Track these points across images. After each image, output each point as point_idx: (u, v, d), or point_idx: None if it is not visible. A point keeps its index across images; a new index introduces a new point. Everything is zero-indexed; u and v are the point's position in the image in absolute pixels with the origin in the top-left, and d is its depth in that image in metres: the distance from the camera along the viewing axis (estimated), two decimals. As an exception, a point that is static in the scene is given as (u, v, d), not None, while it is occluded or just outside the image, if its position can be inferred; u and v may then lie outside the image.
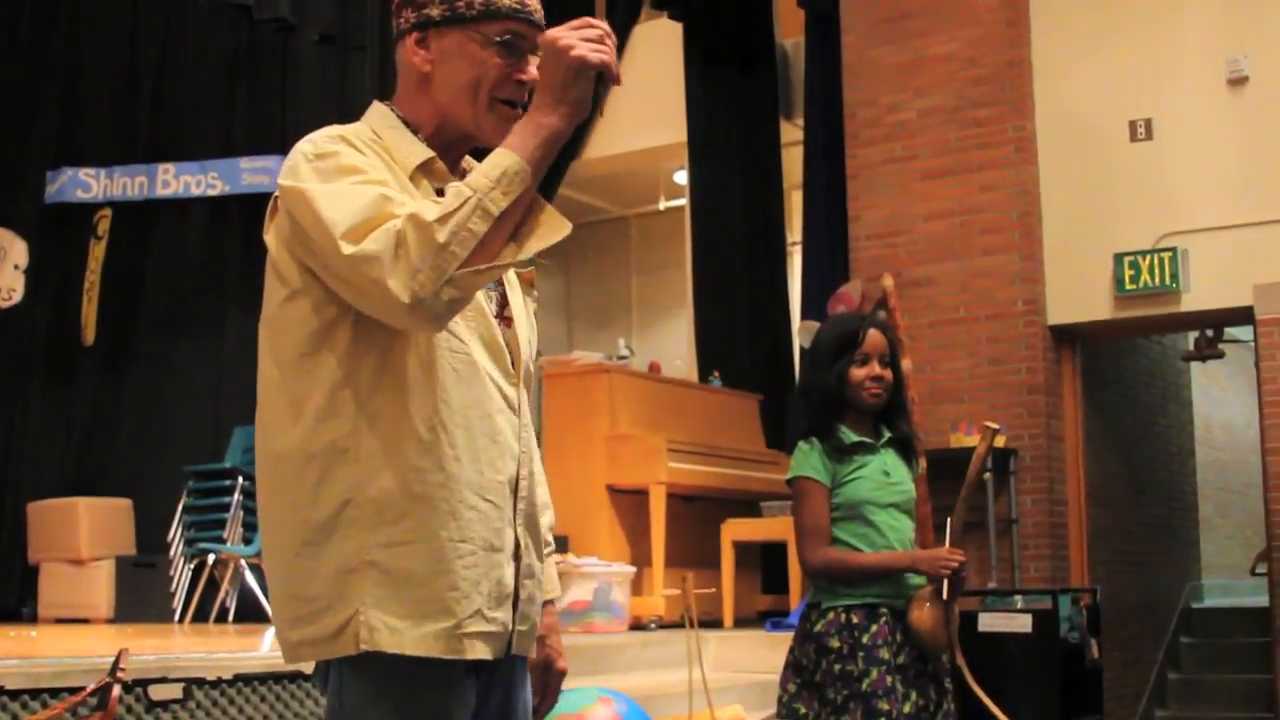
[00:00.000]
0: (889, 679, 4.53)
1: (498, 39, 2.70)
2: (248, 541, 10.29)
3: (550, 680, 2.98)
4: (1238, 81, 9.81)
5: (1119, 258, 9.93)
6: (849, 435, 4.77)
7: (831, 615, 4.67)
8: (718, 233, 12.44)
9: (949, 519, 4.90)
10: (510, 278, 2.84)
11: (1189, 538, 13.81)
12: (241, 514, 10.43)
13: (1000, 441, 9.59)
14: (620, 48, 10.00)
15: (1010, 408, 10.05)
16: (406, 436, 2.57)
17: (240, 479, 10.45)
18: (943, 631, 4.66)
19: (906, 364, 5.55)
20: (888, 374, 4.80)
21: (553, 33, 2.51)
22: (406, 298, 2.40)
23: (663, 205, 15.49)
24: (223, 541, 10.28)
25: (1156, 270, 9.82)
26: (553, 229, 2.56)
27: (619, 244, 16.49)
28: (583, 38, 2.50)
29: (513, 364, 2.75)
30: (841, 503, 4.72)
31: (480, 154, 2.70)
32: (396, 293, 2.39)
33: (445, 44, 2.73)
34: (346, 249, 2.43)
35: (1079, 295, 10.13)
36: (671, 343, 14.73)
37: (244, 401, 11.80)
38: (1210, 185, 9.83)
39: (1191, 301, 9.88)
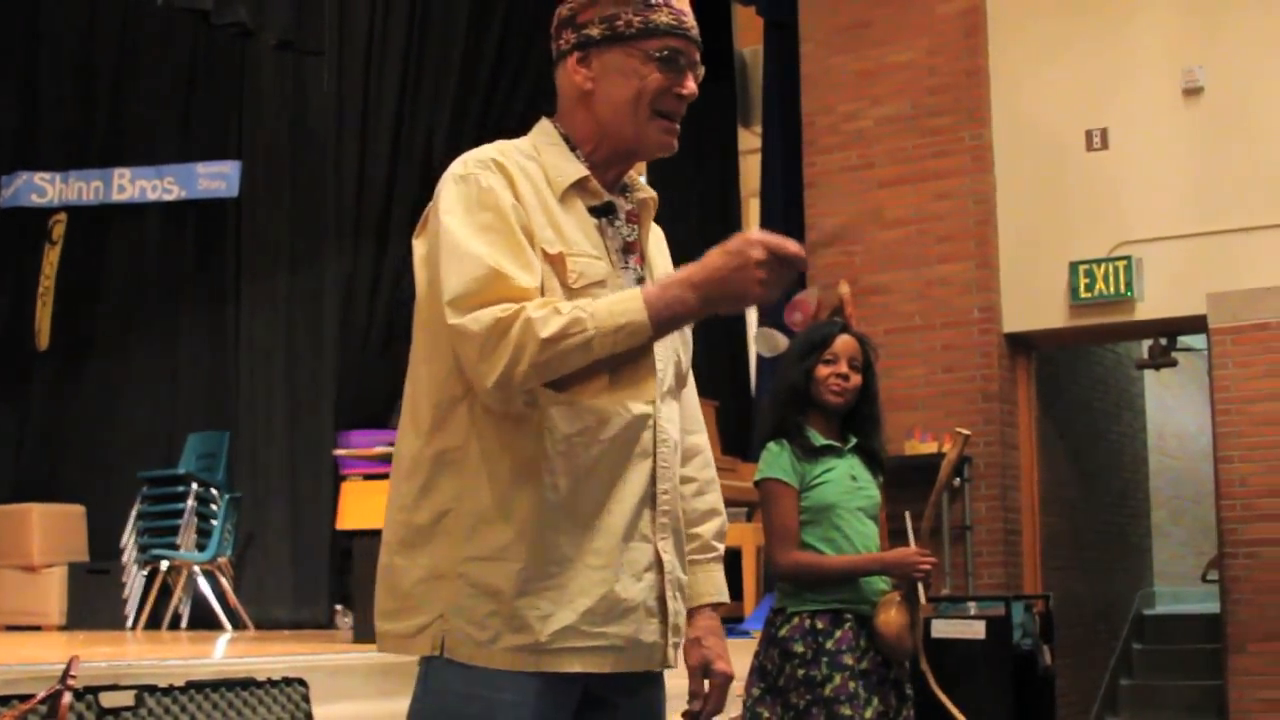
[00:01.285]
0: (852, 684, 4.54)
1: (657, 54, 2.79)
2: (201, 548, 10.25)
3: (713, 682, 3.03)
4: (1193, 92, 9.87)
5: (1074, 266, 9.98)
6: (817, 437, 4.78)
7: (796, 620, 4.66)
8: (675, 240, 12.37)
9: (908, 518, 4.90)
10: None
11: (1142, 545, 13.89)
12: (195, 520, 10.38)
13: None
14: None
15: (965, 415, 10.07)
16: (511, 456, 2.66)
17: (194, 485, 10.40)
18: (909, 635, 4.67)
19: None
20: (855, 376, 4.81)
21: (756, 244, 2.57)
22: (489, 382, 2.55)
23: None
24: (176, 548, 10.23)
25: (1111, 279, 9.86)
26: (643, 392, 2.74)
27: (576, 250, 16.46)
28: (767, 279, 2.57)
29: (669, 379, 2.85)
30: (809, 505, 4.72)
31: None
32: (483, 374, 2.55)
33: (606, 62, 2.80)
34: (451, 317, 2.56)
35: (1034, 303, 10.18)
36: (628, 349, 14.71)
37: (198, 408, 11.76)
38: (1165, 195, 9.89)
39: (1146, 310, 9.93)
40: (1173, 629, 13.11)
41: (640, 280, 2.84)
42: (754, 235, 2.60)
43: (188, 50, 12.01)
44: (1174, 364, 11.33)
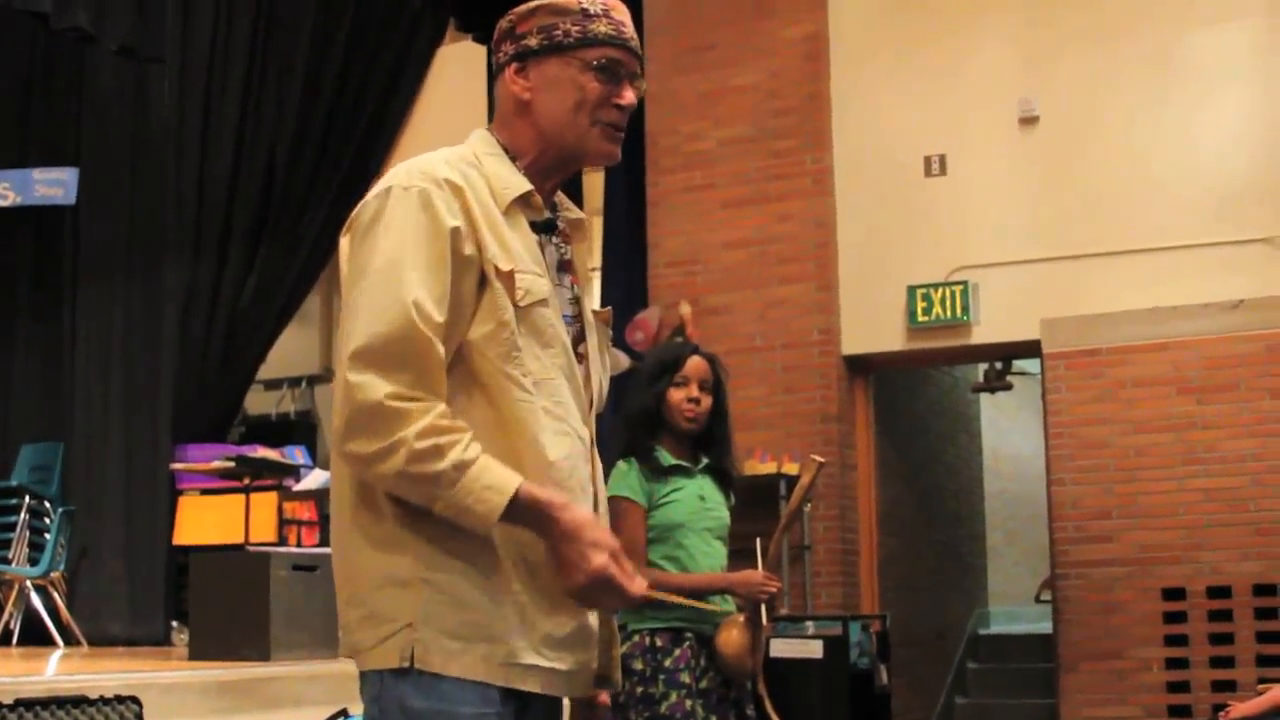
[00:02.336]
0: (688, 703, 4.54)
1: (595, 64, 2.78)
2: (34, 562, 10.04)
3: (596, 714, 3.00)
4: (1029, 121, 10.04)
5: (912, 290, 10.11)
6: (666, 457, 4.78)
7: (636, 638, 4.67)
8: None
9: (759, 541, 4.92)
10: (589, 317, 2.90)
11: (977, 565, 14.06)
12: (28, 534, 10.17)
13: (794, 469, 9.69)
14: (425, 69, 10.03)
15: (804, 436, 10.15)
16: None
17: (27, 498, 10.19)
18: (749, 657, 4.69)
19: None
20: (706, 399, 4.82)
21: (614, 555, 2.61)
22: (341, 452, 2.56)
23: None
24: (7, 562, 10.02)
25: (948, 303, 10.00)
26: (588, 420, 2.76)
27: (419, 266, 16.37)
28: (593, 586, 2.59)
29: (589, 402, 2.83)
30: (656, 524, 4.72)
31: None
32: (342, 444, 2.54)
33: (544, 72, 2.79)
34: (350, 369, 2.51)
35: (873, 326, 10.29)
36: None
37: (31, 419, 11.50)
38: (1001, 221, 10.05)
39: (981, 334, 10.08)
40: (1007, 648, 13.27)
41: (575, 300, 2.85)
42: (618, 559, 2.62)
43: (25, 54, 11.78)
44: (1009, 388, 11.48)
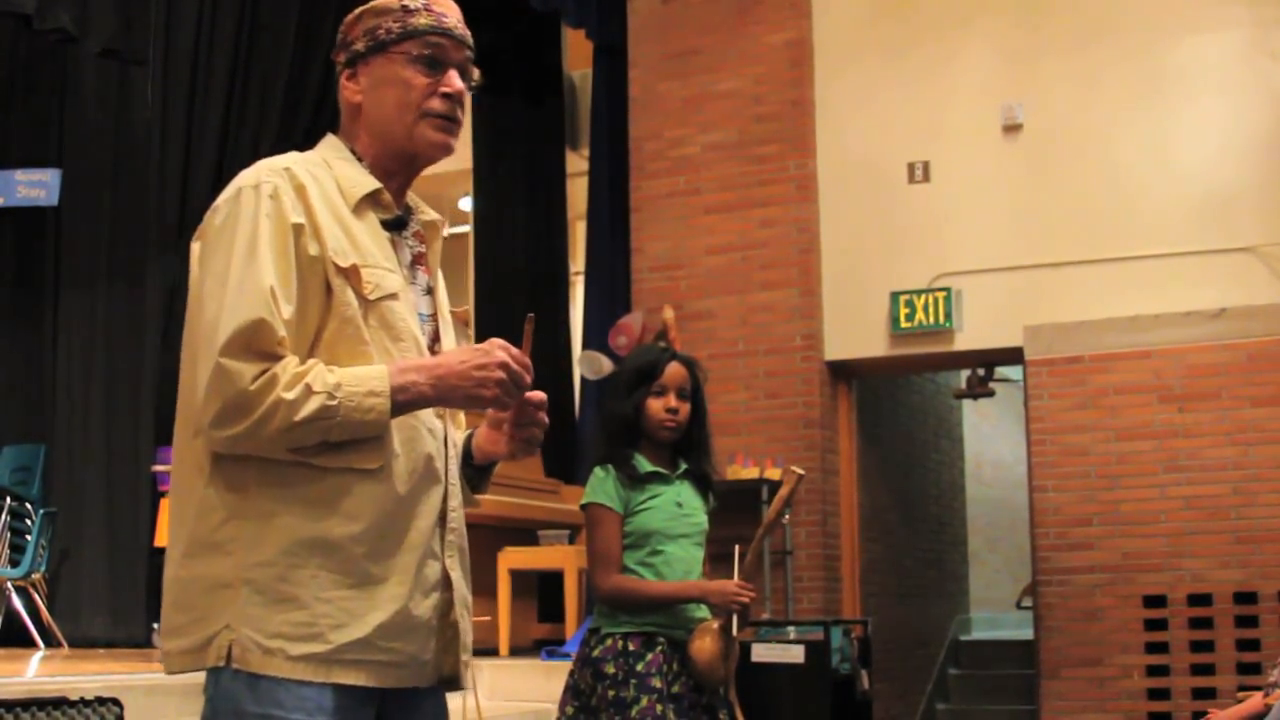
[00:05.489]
0: (659, 707, 4.53)
1: (418, 56, 2.83)
2: (14, 564, 10.01)
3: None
4: (1012, 129, 10.07)
5: (895, 296, 10.12)
6: (644, 464, 4.77)
7: (610, 641, 4.66)
8: (501, 261, 12.41)
9: (736, 548, 4.91)
10: (445, 314, 2.96)
11: (958, 571, 14.08)
12: (8, 535, 10.14)
13: (776, 475, 9.70)
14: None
15: (787, 441, 10.17)
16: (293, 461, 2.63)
17: (8, 499, 10.17)
18: (721, 665, 4.67)
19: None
20: (684, 407, 4.81)
21: (501, 349, 2.70)
22: (218, 439, 2.59)
23: (446, 231, 15.36)
24: (-12, 563, 10.01)
25: (931, 309, 10.02)
26: (367, 457, 2.66)
27: (402, 270, 16.36)
28: (504, 384, 2.69)
29: None
30: (632, 531, 4.72)
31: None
32: (215, 429, 2.57)
33: (372, 72, 2.86)
34: (222, 355, 2.55)
35: (856, 332, 10.30)
36: (453, 370, 14.63)
37: (13, 420, 11.47)
38: (984, 228, 10.07)
39: (964, 341, 10.10)
40: (988, 654, 13.30)
41: (429, 291, 2.92)
42: (500, 343, 2.70)
43: (7, 55, 11.76)
44: (991, 394, 11.51)
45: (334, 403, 2.54)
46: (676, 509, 4.78)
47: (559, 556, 9.58)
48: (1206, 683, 9.15)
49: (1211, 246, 9.52)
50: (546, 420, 2.89)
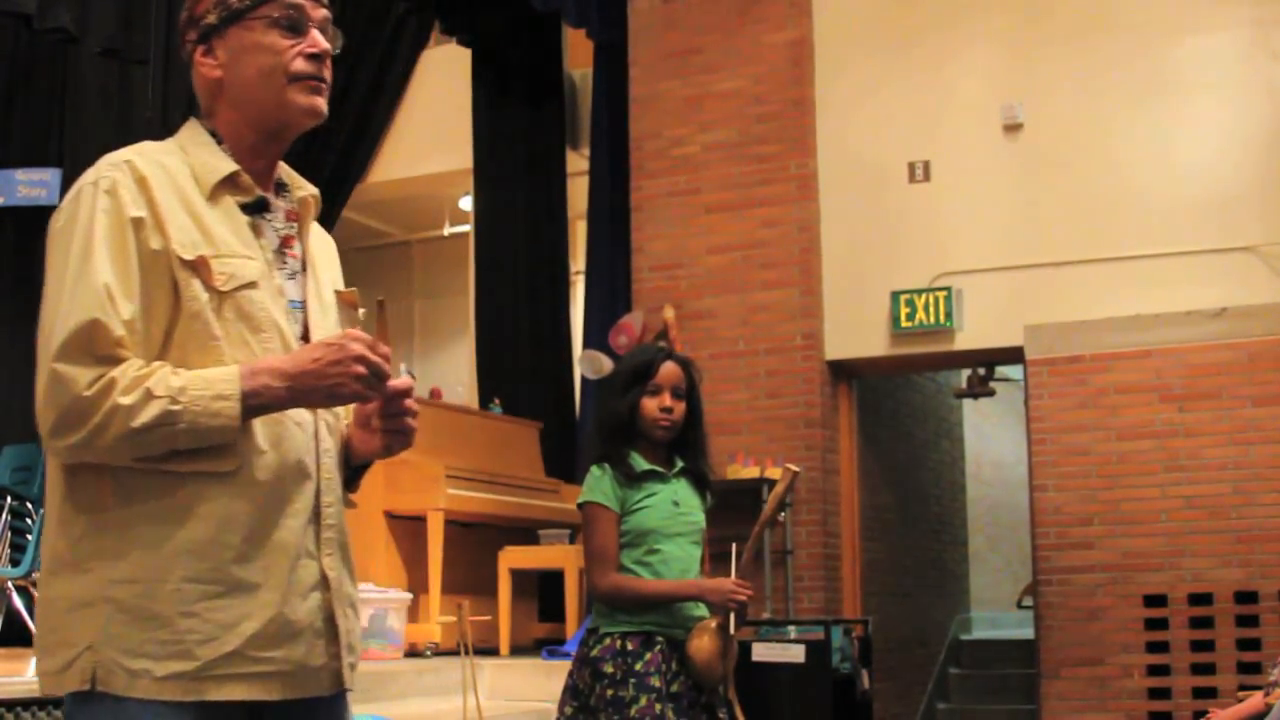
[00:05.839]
0: (658, 706, 4.53)
1: (276, 19, 2.69)
2: (15, 563, 10.00)
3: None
4: (1013, 128, 10.06)
5: (895, 296, 10.11)
6: (640, 463, 4.77)
7: (608, 641, 4.66)
8: (502, 260, 12.41)
9: (734, 546, 4.90)
10: (325, 297, 2.80)
11: (959, 571, 14.08)
12: (10, 534, 10.13)
13: (776, 474, 9.69)
14: (409, 72, 10.00)
15: (787, 441, 10.17)
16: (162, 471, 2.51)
17: (9, 499, 10.16)
18: (719, 663, 4.67)
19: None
20: (679, 406, 4.81)
21: (357, 340, 2.53)
22: (55, 448, 2.48)
23: (447, 231, 15.42)
24: (-11, 563, 10.00)
25: (931, 309, 10.01)
26: (221, 460, 2.52)
27: (402, 269, 16.38)
28: (365, 378, 2.53)
29: None
30: (629, 529, 4.71)
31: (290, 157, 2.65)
32: (53, 435, 2.46)
33: (229, 44, 2.71)
34: (56, 360, 2.46)
35: (856, 331, 10.29)
36: (453, 369, 14.66)
37: (14, 419, 11.47)
38: (985, 227, 10.06)
39: (965, 340, 10.09)
40: (989, 654, 13.30)
41: (293, 276, 2.74)
42: (355, 334, 2.54)
43: (7, 55, 11.75)
44: (991, 394, 11.50)
45: (177, 408, 2.42)
46: (673, 508, 4.78)
47: (559, 556, 9.59)
48: (1207, 682, 9.14)
49: (1212, 246, 9.51)
50: (415, 408, 2.70)
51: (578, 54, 12.73)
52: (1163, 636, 9.32)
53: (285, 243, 2.75)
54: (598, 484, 4.76)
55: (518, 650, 9.67)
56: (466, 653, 5.74)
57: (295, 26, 2.71)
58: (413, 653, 9.01)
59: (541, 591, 10.57)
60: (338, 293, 2.79)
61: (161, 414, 2.41)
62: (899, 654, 11.61)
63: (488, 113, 12.47)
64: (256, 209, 2.71)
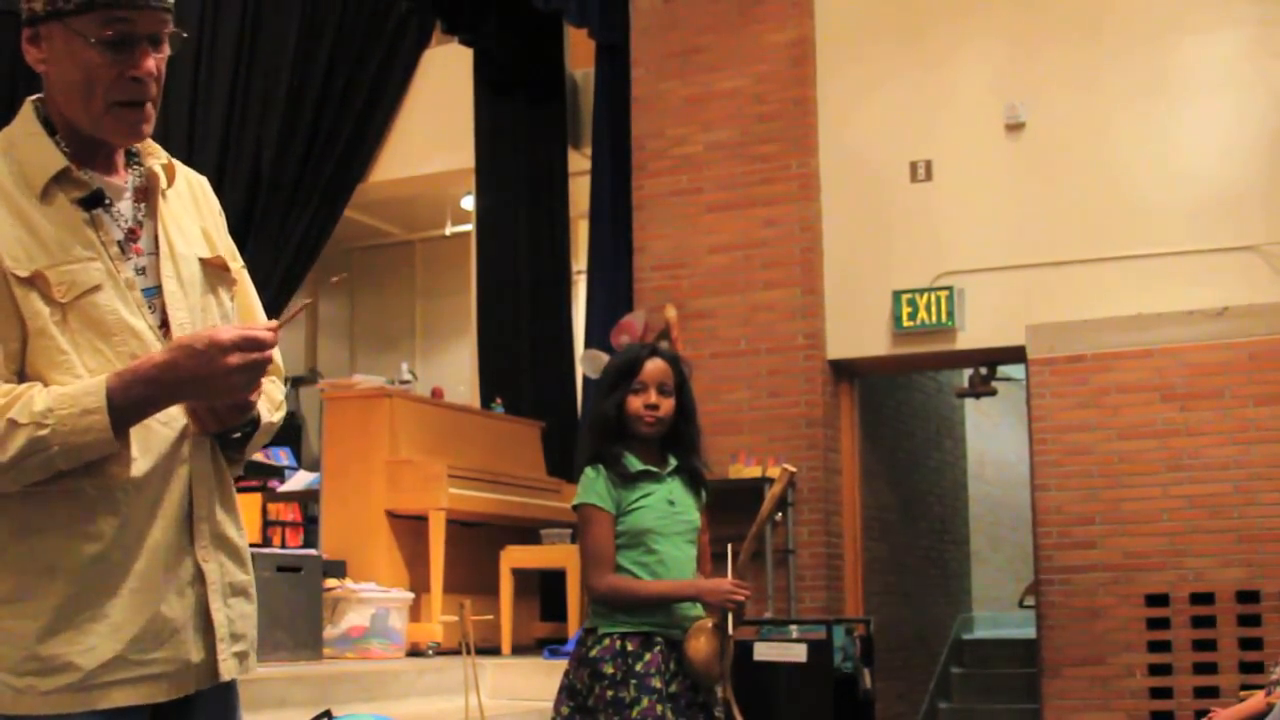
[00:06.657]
0: (659, 708, 4.53)
1: (98, 40, 2.48)
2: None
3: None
4: (1015, 127, 10.06)
5: (897, 295, 10.11)
6: (634, 463, 4.76)
7: (607, 641, 4.65)
8: (503, 260, 12.41)
9: (730, 546, 4.90)
10: (184, 275, 2.64)
11: (960, 570, 14.07)
12: None
13: (777, 473, 9.68)
14: (411, 71, 10.00)
15: (789, 440, 10.17)
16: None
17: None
18: (717, 663, 4.67)
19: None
20: (666, 403, 4.79)
21: (221, 354, 2.38)
22: None
23: (449, 230, 15.42)
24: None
25: (933, 308, 10.01)
26: (98, 441, 2.39)
27: (404, 268, 16.39)
28: (243, 368, 2.40)
29: None
30: (625, 530, 4.70)
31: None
32: None
33: (53, 40, 2.53)
34: None
35: (858, 331, 10.29)
36: (454, 368, 14.66)
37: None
38: (987, 227, 10.06)
39: (966, 340, 10.09)
40: (990, 653, 13.29)
41: (142, 270, 2.57)
42: (210, 338, 2.38)
43: (7, 55, 11.74)
44: (993, 393, 11.49)
45: (44, 432, 2.32)
46: (669, 507, 4.77)
47: (561, 555, 9.58)
48: (1209, 681, 9.14)
49: (1214, 245, 9.51)
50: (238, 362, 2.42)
51: (579, 54, 12.72)
52: (1164, 636, 9.32)
53: (132, 232, 2.60)
54: (592, 486, 4.75)
55: (519, 650, 9.67)
56: (468, 652, 5.75)
57: (121, 42, 2.49)
58: (414, 652, 9.01)
59: (543, 591, 10.57)
60: (205, 260, 2.69)
61: (29, 441, 2.33)
62: (901, 653, 11.61)
63: (489, 112, 12.46)
64: (92, 203, 2.55)
